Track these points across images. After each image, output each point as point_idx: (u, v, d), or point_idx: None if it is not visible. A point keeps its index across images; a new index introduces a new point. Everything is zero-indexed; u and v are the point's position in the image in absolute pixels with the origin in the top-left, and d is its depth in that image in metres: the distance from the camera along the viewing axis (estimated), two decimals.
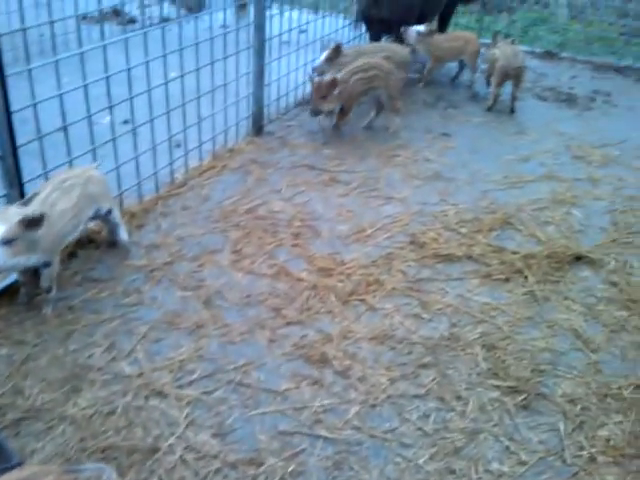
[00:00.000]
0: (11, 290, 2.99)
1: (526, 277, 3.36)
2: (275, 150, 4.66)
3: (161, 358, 2.70)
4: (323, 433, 2.40)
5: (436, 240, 3.65)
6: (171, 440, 2.32)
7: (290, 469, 2.25)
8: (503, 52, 5.49)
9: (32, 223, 2.62)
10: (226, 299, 3.09)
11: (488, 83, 5.81)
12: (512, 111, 5.58)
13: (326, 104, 4.71)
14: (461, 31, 6.69)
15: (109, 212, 3.25)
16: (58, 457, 2.24)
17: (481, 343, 2.91)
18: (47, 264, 2.85)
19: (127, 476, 2.17)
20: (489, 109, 5.61)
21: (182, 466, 2.23)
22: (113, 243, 3.39)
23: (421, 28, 5.77)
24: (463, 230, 3.76)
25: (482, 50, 5.95)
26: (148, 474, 2.19)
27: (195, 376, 2.62)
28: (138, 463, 2.21)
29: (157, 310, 2.98)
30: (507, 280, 3.34)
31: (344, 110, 4.85)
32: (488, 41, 5.99)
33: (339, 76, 4.72)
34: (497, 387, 2.68)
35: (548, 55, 7.21)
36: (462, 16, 7.56)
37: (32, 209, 2.71)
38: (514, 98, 5.58)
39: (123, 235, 3.38)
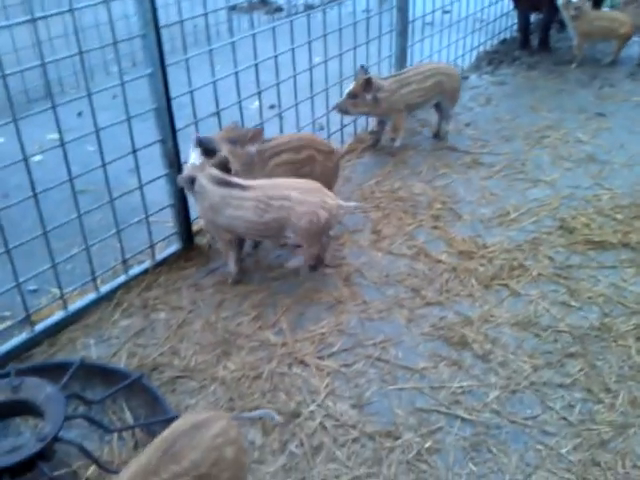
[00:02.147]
0: (169, 260, 3.25)
1: None
2: (416, 132, 4.62)
3: (303, 330, 2.81)
4: (461, 414, 2.38)
5: (588, 226, 3.44)
6: (312, 407, 2.41)
7: (427, 445, 2.25)
8: None
9: None
10: (365, 277, 3.14)
11: None
12: None
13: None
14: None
15: None
16: None
17: (635, 335, 2.72)
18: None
19: (271, 436, 2.29)
20: None
21: (322, 432, 2.31)
22: None
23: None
24: (619, 216, 3.52)
25: None
26: (290, 436, 2.30)
27: (335, 349, 2.70)
28: (281, 425, 2.32)
29: (300, 285, 3.09)
30: None
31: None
32: None
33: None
34: None
35: None
36: None
37: None
38: None
39: None
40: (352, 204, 3.16)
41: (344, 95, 4.03)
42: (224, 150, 3.13)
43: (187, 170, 2.99)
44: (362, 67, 4.08)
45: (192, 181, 2.94)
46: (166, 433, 1.81)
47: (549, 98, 5.10)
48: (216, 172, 2.97)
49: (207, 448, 1.76)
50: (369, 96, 4.01)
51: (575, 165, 4.08)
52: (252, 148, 3.21)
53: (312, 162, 3.42)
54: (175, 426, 1.83)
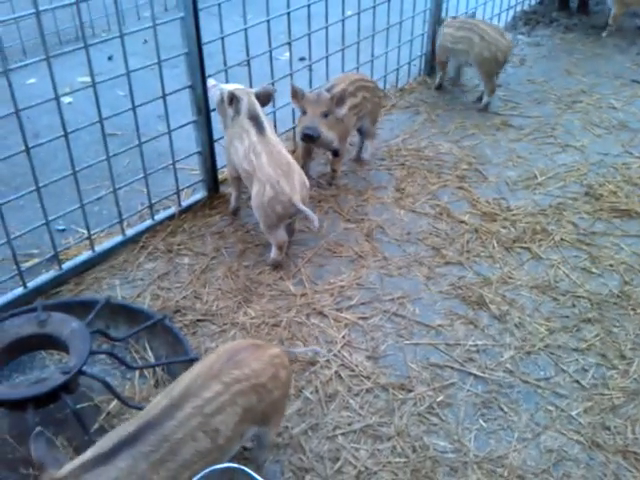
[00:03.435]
0: (194, 207, 3.29)
1: None
2: (446, 91, 4.55)
3: (323, 282, 2.85)
4: (474, 371, 2.42)
5: (615, 194, 3.40)
6: (328, 356, 2.47)
7: (439, 399, 2.30)
8: None
9: None
10: (387, 234, 3.15)
11: None
12: None
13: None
14: None
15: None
16: None
17: None
18: None
19: None
20: None
21: (337, 381, 2.37)
22: None
23: None
24: None
25: None
26: (305, 383, 2.36)
27: (353, 302, 2.74)
28: (297, 372, 2.38)
29: (321, 238, 3.12)
30: None
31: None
32: None
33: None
34: None
35: None
36: None
37: None
38: None
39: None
40: (305, 210, 2.73)
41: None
42: (324, 131, 3.17)
43: (229, 88, 3.03)
44: None
45: (231, 101, 2.98)
46: (228, 346, 1.87)
47: (585, 62, 4.98)
48: (256, 104, 3.00)
49: (268, 363, 1.82)
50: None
51: (606, 132, 4.01)
52: (341, 111, 3.26)
53: (365, 102, 3.54)
54: (236, 342, 1.92)
